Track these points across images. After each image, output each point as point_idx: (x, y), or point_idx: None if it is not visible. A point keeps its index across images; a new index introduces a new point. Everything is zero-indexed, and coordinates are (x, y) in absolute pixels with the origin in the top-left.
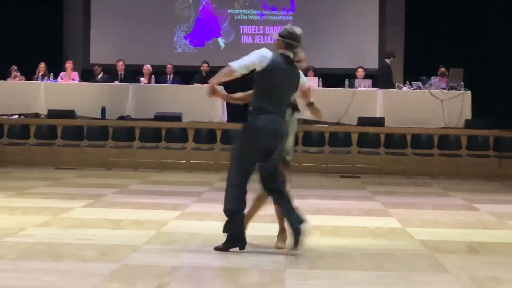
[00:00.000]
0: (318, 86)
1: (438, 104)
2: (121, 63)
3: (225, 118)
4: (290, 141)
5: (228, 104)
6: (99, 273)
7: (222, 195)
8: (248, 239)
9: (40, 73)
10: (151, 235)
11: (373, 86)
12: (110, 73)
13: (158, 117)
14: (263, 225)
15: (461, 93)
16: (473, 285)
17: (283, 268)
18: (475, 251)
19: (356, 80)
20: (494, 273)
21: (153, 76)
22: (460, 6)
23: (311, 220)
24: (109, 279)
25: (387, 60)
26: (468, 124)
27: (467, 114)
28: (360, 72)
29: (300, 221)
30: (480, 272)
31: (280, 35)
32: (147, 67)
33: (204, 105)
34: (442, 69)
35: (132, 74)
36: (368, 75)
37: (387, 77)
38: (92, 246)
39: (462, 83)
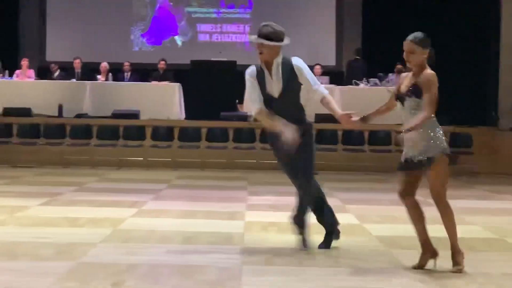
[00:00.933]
0: None
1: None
2: (78, 60)
3: (183, 116)
4: None
5: (186, 102)
6: (55, 272)
7: (181, 192)
8: (205, 236)
9: None
10: (108, 233)
11: (330, 83)
12: (67, 71)
13: (116, 115)
14: (219, 222)
15: (387, 90)
16: (429, 281)
17: (240, 265)
18: None
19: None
20: (449, 268)
21: (110, 74)
22: (416, 3)
23: (269, 217)
24: (65, 277)
25: (358, 57)
26: None
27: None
28: (317, 69)
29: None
30: (436, 267)
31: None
32: (104, 65)
33: (162, 103)
34: (399, 66)
35: (89, 72)
36: (326, 72)
37: (362, 72)
38: (49, 244)
39: None
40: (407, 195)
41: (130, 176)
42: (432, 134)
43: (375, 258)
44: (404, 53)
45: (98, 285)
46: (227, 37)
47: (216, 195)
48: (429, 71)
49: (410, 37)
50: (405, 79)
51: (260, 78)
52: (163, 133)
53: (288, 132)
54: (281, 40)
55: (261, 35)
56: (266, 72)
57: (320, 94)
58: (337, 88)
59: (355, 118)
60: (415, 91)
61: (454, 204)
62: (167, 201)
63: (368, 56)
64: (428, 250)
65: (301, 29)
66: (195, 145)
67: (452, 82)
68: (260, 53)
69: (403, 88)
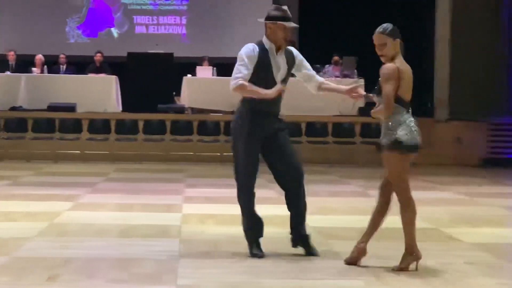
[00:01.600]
0: (213, 75)
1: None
2: (12, 53)
3: (120, 108)
4: None
5: (123, 94)
6: None
7: (118, 185)
8: (142, 229)
9: None
10: (44, 227)
11: None
12: (1, 64)
13: (52, 108)
14: (156, 215)
15: (354, 81)
16: (365, 270)
17: (177, 258)
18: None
19: None
20: (385, 258)
21: (45, 66)
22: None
23: (206, 209)
24: None
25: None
26: (362, 112)
27: (361, 102)
28: None
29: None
30: (372, 257)
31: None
32: (39, 57)
33: (99, 96)
34: (336, 58)
35: (24, 64)
36: None
37: None
38: None
39: (355, 71)
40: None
41: (66, 169)
42: (390, 123)
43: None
44: (376, 47)
45: (34, 279)
46: (163, 29)
47: (153, 188)
48: (388, 64)
49: (380, 29)
50: None
51: (265, 60)
52: (100, 126)
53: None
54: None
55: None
56: (275, 56)
57: (318, 80)
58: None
59: (361, 91)
60: (377, 89)
61: (394, 195)
62: (104, 194)
63: (304, 47)
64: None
65: (237, 21)
66: (132, 138)
67: None
68: (287, 39)
69: None
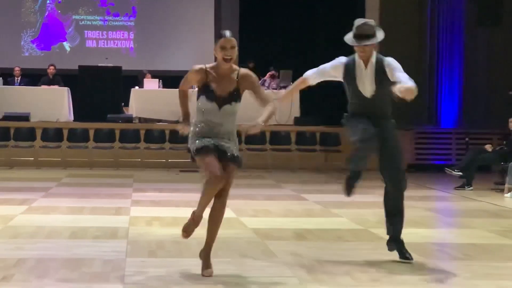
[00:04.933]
0: (159, 87)
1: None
2: None
3: (72, 118)
4: None
5: (74, 105)
6: None
7: (69, 190)
8: (91, 231)
9: None
10: None
11: None
12: None
13: (7, 117)
14: (105, 217)
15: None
16: (298, 268)
17: (124, 258)
18: (302, 238)
19: None
20: (317, 257)
21: (0, 78)
22: (289, 12)
23: (152, 212)
24: None
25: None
26: (297, 121)
27: (296, 112)
28: None
29: None
30: (305, 256)
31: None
32: None
33: (51, 106)
34: (272, 72)
35: None
36: None
37: None
38: None
39: (292, 83)
40: None
41: (21, 175)
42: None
43: (250, 249)
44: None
45: None
46: (112, 43)
47: (103, 192)
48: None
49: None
50: None
51: (351, 73)
52: (53, 134)
53: None
54: (377, 35)
55: (365, 37)
56: (361, 69)
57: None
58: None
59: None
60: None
61: (324, 198)
62: (56, 198)
63: (244, 61)
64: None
65: (182, 35)
66: (83, 146)
67: (321, 84)
68: (363, 53)
69: None
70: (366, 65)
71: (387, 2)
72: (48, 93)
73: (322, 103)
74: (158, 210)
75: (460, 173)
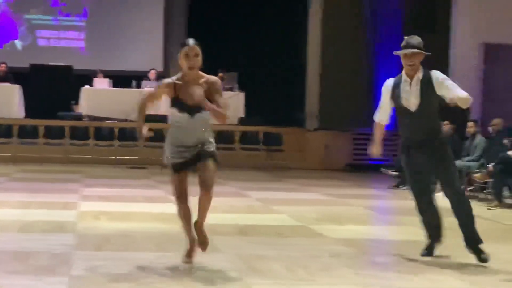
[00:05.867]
0: (109, 87)
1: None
2: None
3: (22, 115)
4: None
5: (26, 102)
6: None
7: (19, 185)
8: (40, 225)
9: None
10: None
11: None
12: None
13: None
14: (54, 212)
15: (235, 94)
16: (240, 262)
17: (71, 251)
18: (244, 233)
19: (143, 81)
20: (258, 251)
21: None
22: (236, 16)
23: (100, 207)
24: None
25: None
26: (241, 121)
27: (241, 112)
28: (152, 74)
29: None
30: (247, 251)
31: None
32: None
33: (2, 103)
34: (220, 74)
35: None
36: (161, 76)
37: None
38: None
39: (237, 85)
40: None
41: None
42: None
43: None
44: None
45: None
46: (64, 42)
47: (52, 187)
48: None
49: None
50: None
51: (397, 90)
52: (3, 130)
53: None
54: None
55: (411, 46)
56: (407, 84)
57: (457, 95)
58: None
59: None
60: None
61: (266, 195)
62: (5, 193)
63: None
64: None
65: (132, 35)
66: (34, 142)
67: (265, 86)
68: (412, 65)
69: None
70: (411, 80)
71: (329, 7)
72: None
73: (266, 105)
74: (106, 205)
75: (396, 173)
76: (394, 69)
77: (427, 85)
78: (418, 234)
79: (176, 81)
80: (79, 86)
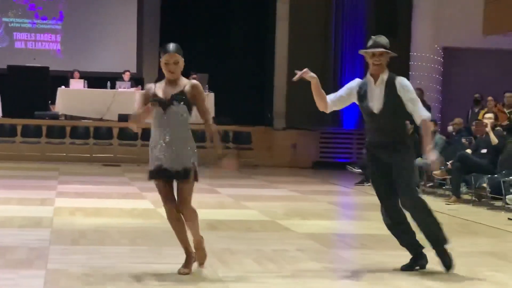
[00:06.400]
0: (84, 87)
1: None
2: None
3: (0, 114)
4: None
5: (3, 102)
6: None
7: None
8: (17, 220)
9: None
10: None
11: (132, 87)
12: None
13: None
14: (31, 208)
15: (206, 95)
16: (211, 256)
17: (48, 245)
18: (214, 228)
19: (117, 82)
20: (229, 246)
21: None
22: (206, 17)
23: (76, 203)
24: None
25: None
26: (212, 121)
27: (211, 112)
28: (127, 75)
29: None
30: (217, 245)
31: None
32: None
33: None
34: (194, 76)
35: None
36: (135, 77)
37: None
38: None
39: (207, 86)
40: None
41: None
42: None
43: (167, 238)
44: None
45: None
46: (40, 45)
47: (29, 184)
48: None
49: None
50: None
51: (364, 91)
52: None
53: None
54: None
55: (379, 45)
56: (371, 84)
57: (419, 116)
58: (137, 93)
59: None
60: None
61: (236, 192)
62: None
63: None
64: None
65: (107, 38)
66: (11, 140)
67: (234, 86)
68: (379, 65)
69: None
70: (376, 81)
71: (296, 10)
72: None
73: (235, 105)
74: (82, 201)
75: (360, 170)
76: (358, 71)
77: (390, 88)
78: (381, 228)
79: (157, 84)
80: (55, 86)
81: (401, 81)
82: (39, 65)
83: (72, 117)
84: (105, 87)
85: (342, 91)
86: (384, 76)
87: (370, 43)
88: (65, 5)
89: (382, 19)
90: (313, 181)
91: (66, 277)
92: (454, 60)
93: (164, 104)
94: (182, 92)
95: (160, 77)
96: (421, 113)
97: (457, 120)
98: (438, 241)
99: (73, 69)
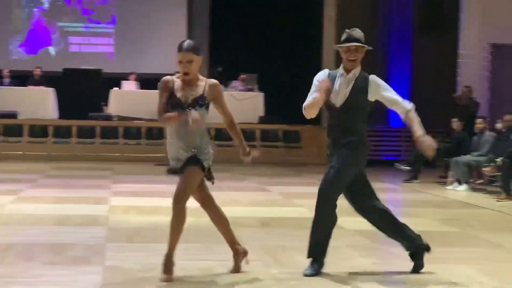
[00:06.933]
0: (136, 89)
1: (237, 103)
2: None
3: (56, 116)
4: None
5: (59, 104)
6: None
7: (54, 181)
8: (74, 218)
9: None
10: None
11: None
12: None
13: None
14: (87, 206)
15: (255, 95)
16: (264, 253)
17: (104, 243)
18: (266, 225)
19: None
20: (281, 243)
21: None
22: (257, 18)
23: (130, 201)
24: None
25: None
26: (261, 120)
27: (261, 112)
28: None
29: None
30: (270, 242)
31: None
32: None
33: (38, 105)
34: (243, 76)
35: None
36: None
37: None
38: None
39: (257, 85)
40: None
41: (9, 168)
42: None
43: (219, 236)
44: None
45: None
46: (94, 48)
47: (84, 183)
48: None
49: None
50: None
51: (332, 82)
52: (39, 130)
53: None
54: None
55: (354, 39)
56: (341, 79)
57: (404, 108)
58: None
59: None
60: None
61: (287, 189)
62: (42, 189)
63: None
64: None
65: (157, 40)
66: (67, 141)
67: (283, 86)
68: (353, 60)
69: None
70: (347, 74)
71: (343, 10)
72: (35, 93)
73: (284, 104)
74: (136, 200)
75: (408, 168)
76: (405, 69)
77: (360, 85)
78: (431, 225)
79: (175, 79)
80: (108, 88)
81: (376, 80)
82: (92, 67)
83: (124, 118)
84: (156, 88)
85: (314, 90)
86: (357, 71)
87: (344, 37)
88: (117, 9)
89: (430, 16)
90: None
91: (122, 273)
92: (503, 56)
93: (184, 109)
94: (202, 97)
95: (212, 75)
96: (404, 105)
97: (508, 116)
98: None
99: (125, 71)
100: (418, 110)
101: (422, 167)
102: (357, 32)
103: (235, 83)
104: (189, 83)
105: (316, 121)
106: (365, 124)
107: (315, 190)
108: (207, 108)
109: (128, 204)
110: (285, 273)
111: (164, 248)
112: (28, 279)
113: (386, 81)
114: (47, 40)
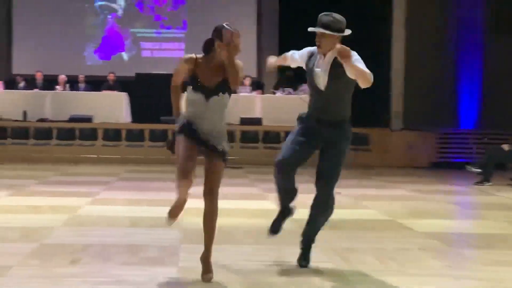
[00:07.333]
0: None
1: (305, 106)
2: (39, 73)
3: (129, 119)
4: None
5: (132, 108)
6: (21, 252)
7: (128, 184)
8: (148, 220)
9: None
10: (66, 218)
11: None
12: (30, 82)
13: (73, 119)
14: (160, 208)
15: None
16: (334, 255)
17: (178, 244)
18: (336, 227)
19: (239, 87)
20: (350, 245)
21: (67, 84)
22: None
23: (201, 204)
24: (29, 256)
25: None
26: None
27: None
28: (247, 80)
29: None
30: (339, 244)
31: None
32: (62, 77)
33: (111, 109)
34: None
35: (50, 83)
36: (255, 82)
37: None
38: (15, 229)
39: None
40: None
41: (85, 170)
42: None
43: (290, 237)
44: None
45: (59, 263)
46: (165, 53)
47: (157, 186)
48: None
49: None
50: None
51: (313, 62)
52: (113, 134)
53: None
54: (341, 30)
55: (320, 24)
56: (319, 60)
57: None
58: (258, 96)
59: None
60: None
61: (356, 192)
62: (116, 191)
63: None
64: None
65: None
66: (140, 144)
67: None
68: (318, 46)
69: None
70: (324, 55)
71: (413, 7)
72: (108, 97)
73: (352, 107)
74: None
75: (479, 170)
76: (476, 71)
77: (339, 65)
78: (503, 228)
79: (199, 59)
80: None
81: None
82: (164, 72)
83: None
84: None
85: (297, 54)
86: (333, 53)
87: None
88: (189, 14)
89: (502, 17)
90: (431, 181)
91: (196, 275)
92: None
93: (208, 93)
94: (226, 82)
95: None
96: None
97: None
98: (313, 240)
99: None
100: (490, 112)
101: (493, 170)
102: (327, 17)
103: (304, 86)
104: (214, 64)
105: (384, 123)
106: (349, 102)
107: (384, 192)
108: (229, 93)
109: (200, 207)
110: (354, 274)
111: (234, 249)
112: (106, 278)
113: (456, 81)
114: (120, 46)
